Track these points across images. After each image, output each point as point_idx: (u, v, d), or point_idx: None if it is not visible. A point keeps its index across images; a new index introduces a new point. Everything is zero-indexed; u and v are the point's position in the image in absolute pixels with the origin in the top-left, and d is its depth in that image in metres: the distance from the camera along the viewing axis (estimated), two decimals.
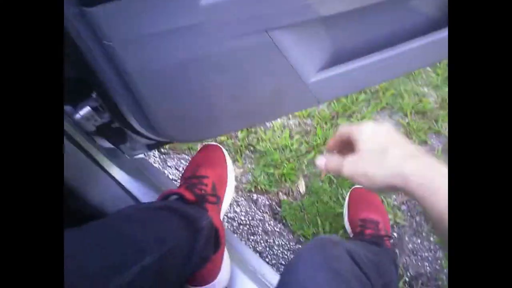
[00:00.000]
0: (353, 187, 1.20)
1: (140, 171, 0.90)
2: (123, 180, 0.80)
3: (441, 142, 1.39)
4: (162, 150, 1.43)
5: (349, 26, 0.62)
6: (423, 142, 1.39)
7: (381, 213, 1.09)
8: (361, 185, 0.46)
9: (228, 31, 0.52)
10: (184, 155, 1.45)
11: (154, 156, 1.42)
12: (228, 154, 1.42)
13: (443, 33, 0.64)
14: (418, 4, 0.63)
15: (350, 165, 0.47)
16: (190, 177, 0.83)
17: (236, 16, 0.51)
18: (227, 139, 1.45)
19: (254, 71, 0.60)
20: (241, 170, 1.38)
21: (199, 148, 1.02)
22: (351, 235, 1.08)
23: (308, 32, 0.59)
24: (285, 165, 1.34)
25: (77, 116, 0.70)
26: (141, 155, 0.99)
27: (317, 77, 0.63)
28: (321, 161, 0.53)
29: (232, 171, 0.95)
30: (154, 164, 1.39)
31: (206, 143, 1.01)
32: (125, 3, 0.45)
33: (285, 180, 1.32)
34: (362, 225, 1.01)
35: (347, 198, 1.19)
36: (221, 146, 0.98)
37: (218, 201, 0.82)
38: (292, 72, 0.61)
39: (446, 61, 1.56)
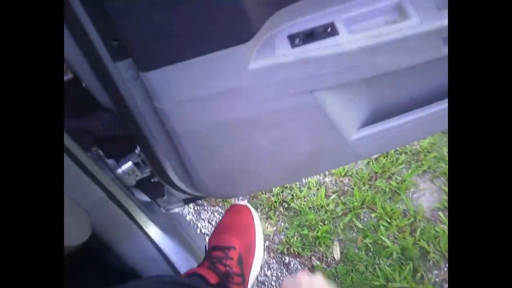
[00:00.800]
0: None
1: (174, 227, 0.89)
2: (156, 237, 0.79)
3: None
4: (197, 202, 1.43)
5: (391, 84, 0.62)
6: None
7: None
8: None
9: (274, 93, 0.53)
10: (217, 208, 1.43)
11: (188, 207, 1.41)
12: (262, 210, 1.40)
13: None
14: None
15: None
16: (215, 248, 0.80)
17: (283, 78, 0.51)
18: (261, 193, 1.43)
19: (296, 129, 0.60)
20: (274, 228, 1.34)
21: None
22: None
23: (350, 91, 0.59)
24: (320, 227, 1.29)
25: (119, 171, 0.71)
26: (177, 209, 0.98)
27: (358, 134, 0.63)
28: None
29: (261, 237, 0.90)
30: (188, 216, 1.38)
31: (235, 203, 0.98)
32: (178, 68, 0.47)
33: (319, 244, 1.27)
34: None
35: None
36: (249, 207, 0.95)
37: (243, 281, 0.78)
38: (334, 130, 0.61)
39: None
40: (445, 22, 0.50)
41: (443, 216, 1.29)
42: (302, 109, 0.56)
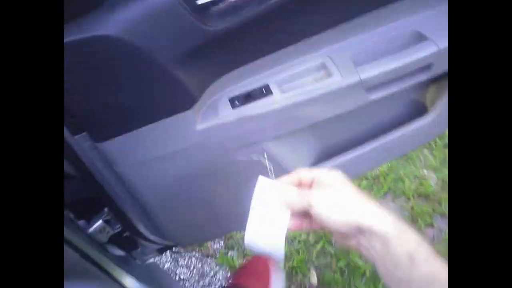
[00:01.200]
0: None
1: (151, 277, 0.92)
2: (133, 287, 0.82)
3: (447, 224, 1.39)
4: (174, 249, 1.45)
5: (333, 126, 0.69)
6: (429, 225, 1.39)
7: None
8: (326, 219, 0.43)
9: (223, 147, 0.59)
10: (195, 253, 1.46)
11: (166, 255, 1.43)
12: (238, 248, 1.43)
13: (420, 122, 0.71)
14: (394, 100, 0.70)
15: (320, 198, 0.45)
16: None
17: (230, 134, 0.58)
18: (236, 233, 1.47)
19: (250, 176, 0.66)
20: None
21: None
22: None
23: (296, 136, 0.65)
24: (295, 257, 1.34)
25: (90, 230, 0.75)
26: (152, 259, 1.02)
27: None
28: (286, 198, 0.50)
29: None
30: (166, 264, 1.40)
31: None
32: (129, 136, 0.53)
33: (296, 273, 1.31)
34: None
35: None
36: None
37: None
38: (285, 173, 0.67)
39: (441, 143, 1.62)
40: (362, 76, 0.58)
41: None
42: (252, 158, 0.63)
